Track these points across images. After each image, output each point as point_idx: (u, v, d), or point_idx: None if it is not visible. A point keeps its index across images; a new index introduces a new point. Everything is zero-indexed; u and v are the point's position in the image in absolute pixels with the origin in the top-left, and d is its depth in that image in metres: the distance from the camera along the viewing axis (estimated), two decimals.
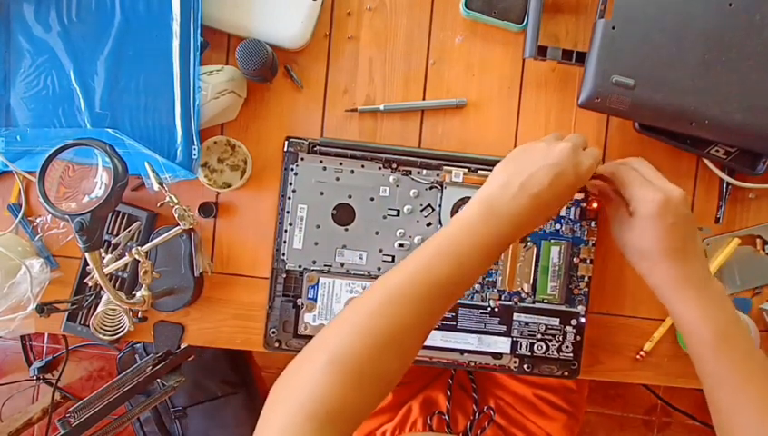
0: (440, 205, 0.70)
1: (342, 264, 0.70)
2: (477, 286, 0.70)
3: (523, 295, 0.71)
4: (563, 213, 0.70)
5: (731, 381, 0.53)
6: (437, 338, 0.70)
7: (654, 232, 0.54)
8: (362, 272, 0.70)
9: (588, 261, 0.70)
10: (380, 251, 0.70)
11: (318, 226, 0.70)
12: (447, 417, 0.76)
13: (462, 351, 0.70)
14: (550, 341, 0.70)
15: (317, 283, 0.70)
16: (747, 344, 0.54)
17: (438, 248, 0.51)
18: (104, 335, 0.64)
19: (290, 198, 0.70)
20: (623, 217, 0.57)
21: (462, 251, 0.51)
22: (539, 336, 0.70)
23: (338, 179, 0.70)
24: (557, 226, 0.70)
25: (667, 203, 0.54)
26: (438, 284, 0.49)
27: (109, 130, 0.66)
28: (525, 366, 0.71)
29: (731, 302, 0.56)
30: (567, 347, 0.70)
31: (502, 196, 0.52)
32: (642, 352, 0.72)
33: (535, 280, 0.70)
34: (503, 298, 0.71)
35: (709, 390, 0.55)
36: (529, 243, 0.70)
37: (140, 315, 0.68)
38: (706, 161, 0.71)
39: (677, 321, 0.56)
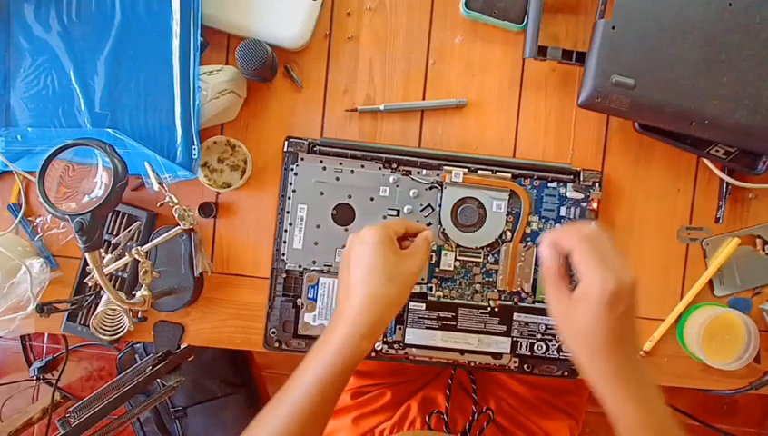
0: (440, 205, 0.70)
1: None
2: (477, 286, 0.70)
3: (523, 295, 0.71)
4: (563, 212, 0.70)
5: None
6: (437, 338, 0.70)
7: (602, 318, 0.50)
8: None
9: None
10: None
11: (318, 226, 0.70)
12: (445, 416, 0.76)
13: (462, 351, 0.70)
14: (550, 340, 0.70)
15: (317, 283, 0.70)
16: None
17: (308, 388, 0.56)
18: (104, 335, 0.64)
19: (290, 198, 0.70)
20: (565, 294, 0.53)
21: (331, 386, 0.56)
22: (539, 336, 0.70)
23: (338, 179, 0.70)
24: (558, 226, 0.70)
25: (621, 290, 0.49)
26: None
27: (109, 130, 0.66)
28: (525, 366, 0.71)
29: (662, 391, 0.54)
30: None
31: (355, 316, 0.57)
32: (642, 352, 0.72)
33: (535, 280, 0.70)
34: (503, 298, 0.71)
35: None
36: (529, 243, 0.70)
37: (140, 315, 0.68)
38: (706, 161, 0.71)
39: (615, 415, 0.52)
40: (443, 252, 0.70)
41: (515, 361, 0.71)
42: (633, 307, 0.51)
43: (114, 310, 0.64)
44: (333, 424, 0.80)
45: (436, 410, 0.77)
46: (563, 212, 0.70)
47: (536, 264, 0.70)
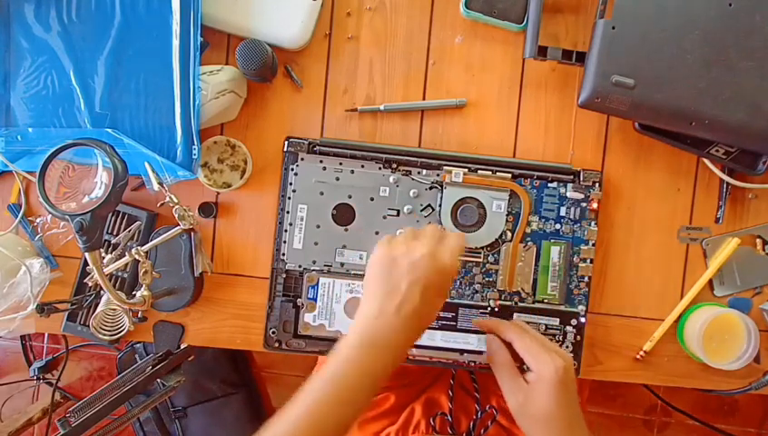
0: (440, 205, 0.70)
1: (342, 264, 0.70)
2: (477, 286, 0.70)
3: (523, 295, 0.71)
4: (563, 212, 0.70)
5: None
6: (437, 338, 0.70)
7: (556, 397, 0.56)
8: (362, 272, 0.70)
9: (588, 260, 0.70)
10: None
11: (318, 226, 0.70)
12: (449, 417, 0.76)
13: (462, 351, 0.70)
14: (550, 340, 0.70)
15: (317, 283, 0.70)
16: None
17: (324, 391, 0.51)
18: (104, 335, 0.64)
19: (290, 198, 0.70)
20: (520, 383, 0.59)
21: (350, 391, 0.51)
22: None
23: (338, 179, 0.70)
24: (557, 226, 0.70)
25: (569, 367, 0.57)
26: (326, 429, 0.50)
27: (109, 130, 0.66)
28: (525, 366, 0.70)
29: None
30: (567, 347, 0.70)
31: (382, 328, 0.53)
32: (642, 352, 0.72)
33: (535, 280, 0.70)
34: (503, 298, 0.71)
35: None
36: (529, 243, 0.70)
37: (140, 315, 0.68)
38: (706, 161, 0.71)
39: None
40: None
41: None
42: (576, 383, 0.58)
43: (114, 310, 0.64)
44: None
45: (440, 411, 0.77)
46: (563, 212, 0.70)
47: (536, 264, 0.70)
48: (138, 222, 0.71)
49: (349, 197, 0.70)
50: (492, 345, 0.63)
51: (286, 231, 0.70)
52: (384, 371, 0.53)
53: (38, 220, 0.73)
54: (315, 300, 0.70)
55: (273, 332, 0.71)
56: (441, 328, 0.70)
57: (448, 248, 0.57)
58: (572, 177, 0.70)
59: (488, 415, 0.76)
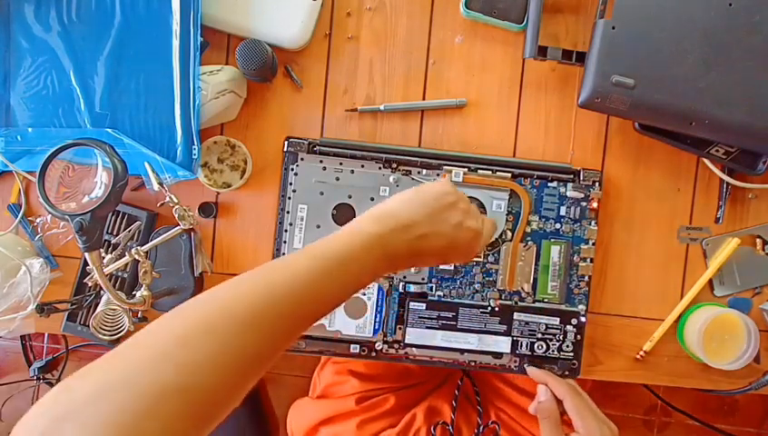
0: None
1: None
2: (477, 285, 0.70)
3: (523, 295, 0.71)
4: (563, 212, 0.70)
5: None
6: (437, 338, 0.70)
7: None
8: None
9: (588, 260, 0.70)
10: None
11: (318, 226, 0.70)
12: (450, 428, 0.76)
13: (462, 351, 0.70)
14: (550, 340, 0.70)
15: None
16: None
17: (314, 267, 0.44)
18: (104, 335, 0.64)
19: (290, 198, 0.70)
20: None
21: (344, 273, 0.45)
22: (539, 335, 0.70)
23: (338, 179, 0.70)
24: (557, 225, 0.70)
25: None
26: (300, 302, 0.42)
27: (109, 130, 0.66)
28: (525, 366, 0.71)
29: None
30: (568, 346, 0.70)
31: (397, 238, 0.49)
32: (642, 352, 0.72)
33: (535, 279, 0.70)
34: (503, 297, 0.71)
35: None
36: (529, 243, 0.70)
37: (140, 315, 0.68)
38: (706, 161, 0.71)
39: None
40: None
41: (515, 361, 0.70)
42: None
43: (114, 310, 0.64)
44: (337, 429, 0.80)
45: (441, 420, 0.77)
46: (563, 211, 0.70)
47: (536, 264, 0.70)
48: (138, 223, 0.71)
49: (350, 197, 0.70)
50: (543, 396, 0.66)
51: (286, 231, 0.70)
52: (371, 275, 0.48)
53: (38, 220, 0.73)
54: None
55: None
56: (442, 328, 0.70)
57: (486, 235, 0.57)
58: (572, 177, 0.70)
59: (490, 430, 0.76)
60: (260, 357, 0.38)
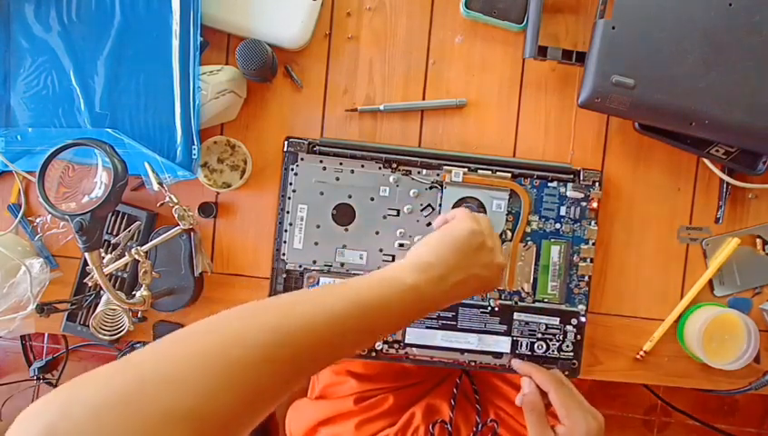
0: (440, 205, 0.70)
1: (342, 264, 0.70)
2: None
3: (523, 294, 0.71)
4: (563, 212, 0.70)
5: None
6: (437, 337, 0.70)
7: None
8: (363, 272, 0.70)
9: (588, 260, 0.70)
10: (380, 250, 0.70)
11: (318, 226, 0.70)
12: (449, 426, 0.76)
13: (462, 351, 0.70)
14: (550, 340, 0.70)
15: (317, 283, 0.70)
16: None
17: (349, 312, 0.43)
18: (104, 335, 0.64)
19: (290, 198, 0.70)
20: (547, 431, 0.62)
21: (373, 320, 0.45)
22: (539, 335, 0.70)
23: (338, 179, 0.70)
24: (557, 225, 0.70)
25: (600, 430, 0.61)
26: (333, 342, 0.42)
27: (109, 130, 0.66)
28: (511, 359, 0.70)
29: None
30: (568, 346, 0.70)
31: (434, 290, 0.49)
32: (642, 352, 0.72)
33: (535, 279, 0.70)
34: (503, 297, 0.71)
35: None
36: (529, 242, 0.70)
37: (140, 315, 0.68)
38: (706, 161, 0.71)
39: None
40: None
41: (513, 360, 0.70)
42: None
43: (114, 310, 0.64)
44: (336, 429, 0.80)
45: (440, 419, 0.77)
46: (563, 211, 0.70)
47: (536, 264, 0.70)
48: (138, 223, 0.71)
49: (350, 197, 0.70)
50: (527, 389, 0.65)
51: (286, 231, 0.70)
52: (405, 320, 0.49)
53: (38, 220, 0.73)
54: None
55: None
56: (442, 327, 0.70)
57: (505, 269, 0.58)
58: (572, 176, 0.70)
59: (489, 429, 0.76)
60: (267, 393, 0.37)
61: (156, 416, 0.31)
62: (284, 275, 0.70)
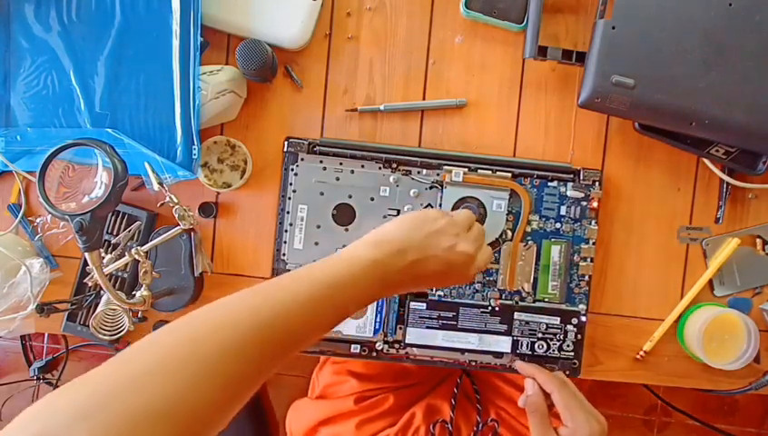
0: (440, 205, 0.70)
1: None
2: (477, 285, 0.70)
3: (523, 294, 0.71)
4: (563, 211, 0.70)
5: None
6: (438, 337, 0.70)
7: None
8: None
9: (589, 259, 0.70)
10: None
11: (318, 226, 0.70)
12: (449, 426, 0.76)
13: (463, 351, 0.70)
14: (551, 339, 0.70)
15: None
16: None
17: (314, 293, 0.44)
18: (104, 335, 0.64)
19: (290, 198, 0.70)
20: (550, 432, 0.61)
21: (343, 299, 0.46)
22: (540, 335, 0.70)
23: (338, 179, 0.70)
24: (558, 225, 0.70)
25: (602, 433, 0.61)
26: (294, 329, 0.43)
27: (109, 130, 0.66)
28: (514, 360, 0.70)
29: None
30: (568, 346, 0.70)
31: (393, 264, 0.50)
32: (642, 352, 0.72)
33: (535, 279, 0.70)
34: (503, 297, 0.71)
35: None
36: (530, 242, 0.70)
37: (140, 315, 0.68)
38: (706, 161, 0.71)
39: None
40: None
41: (515, 361, 0.70)
42: None
43: (114, 310, 0.64)
44: (336, 429, 0.80)
45: (440, 419, 0.77)
46: (563, 211, 0.70)
47: (536, 263, 0.70)
48: (138, 222, 0.71)
49: (350, 197, 0.70)
50: (530, 390, 0.65)
51: (286, 231, 0.70)
52: (368, 298, 0.50)
53: (38, 220, 0.73)
54: None
55: None
56: (442, 327, 0.70)
57: (481, 261, 0.57)
58: (572, 176, 0.70)
59: (489, 428, 0.76)
60: (246, 381, 0.38)
61: (135, 416, 0.32)
62: None
